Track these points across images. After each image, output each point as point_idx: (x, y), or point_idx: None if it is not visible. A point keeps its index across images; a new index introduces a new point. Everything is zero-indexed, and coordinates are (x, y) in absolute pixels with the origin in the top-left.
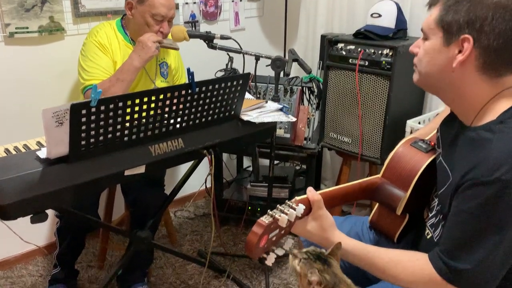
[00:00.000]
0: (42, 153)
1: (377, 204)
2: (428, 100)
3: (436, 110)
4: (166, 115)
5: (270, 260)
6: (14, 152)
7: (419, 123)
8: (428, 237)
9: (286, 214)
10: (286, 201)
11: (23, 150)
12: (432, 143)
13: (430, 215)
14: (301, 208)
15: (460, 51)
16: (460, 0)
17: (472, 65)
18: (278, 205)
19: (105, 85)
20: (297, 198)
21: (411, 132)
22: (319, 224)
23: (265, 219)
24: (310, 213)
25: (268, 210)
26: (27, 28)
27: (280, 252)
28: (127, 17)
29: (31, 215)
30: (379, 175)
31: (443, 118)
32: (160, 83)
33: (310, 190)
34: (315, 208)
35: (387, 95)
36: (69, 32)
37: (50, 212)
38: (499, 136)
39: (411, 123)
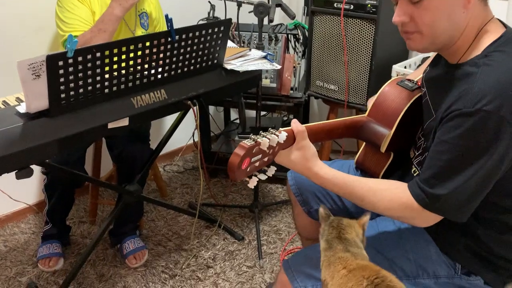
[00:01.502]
0: (22, 108)
1: (363, 145)
2: None
3: (422, 54)
4: (147, 66)
5: (252, 183)
6: None
7: (405, 67)
8: (415, 174)
9: (268, 139)
10: (269, 128)
11: (2, 107)
12: (419, 83)
13: (417, 153)
14: (283, 135)
15: None
16: None
17: None
18: (261, 131)
19: (86, 37)
20: (282, 129)
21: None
22: (302, 154)
23: (247, 142)
24: (294, 143)
25: (251, 134)
26: None
27: (263, 177)
28: None
29: (16, 170)
30: (365, 114)
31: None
32: (140, 34)
33: (294, 121)
34: (299, 139)
35: (372, 39)
36: None
37: (36, 170)
38: (483, 69)
39: (397, 67)
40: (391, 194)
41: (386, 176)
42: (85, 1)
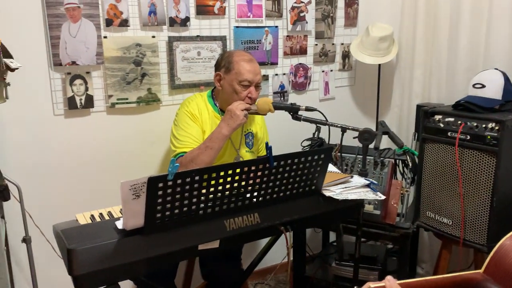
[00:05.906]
0: (120, 224)
1: None
2: None
3: None
4: (243, 189)
5: None
6: (98, 219)
7: None
8: None
9: None
10: (355, 287)
11: (107, 218)
12: None
13: None
14: None
15: None
16: None
17: None
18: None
19: (194, 153)
20: (372, 285)
21: None
22: None
23: None
24: None
25: None
26: (127, 99)
27: None
28: (217, 89)
29: (104, 286)
30: (480, 270)
31: None
32: (244, 153)
33: (388, 279)
34: None
35: (493, 173)
36: (164, 102)
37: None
38: None
39: None
40: None
41: None
42: (197, 120)
